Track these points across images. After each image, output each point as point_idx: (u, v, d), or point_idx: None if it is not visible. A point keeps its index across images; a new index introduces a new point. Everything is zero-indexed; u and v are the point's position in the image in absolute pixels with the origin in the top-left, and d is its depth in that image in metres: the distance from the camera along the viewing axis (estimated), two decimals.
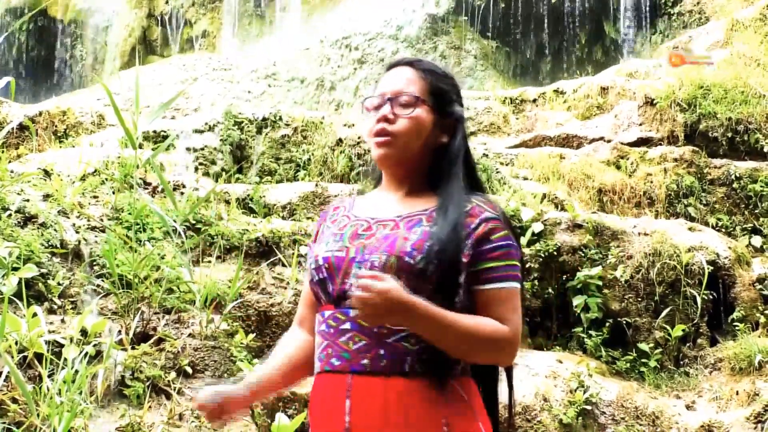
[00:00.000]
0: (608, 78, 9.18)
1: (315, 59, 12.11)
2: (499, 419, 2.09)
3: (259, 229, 5.24)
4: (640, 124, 7.94)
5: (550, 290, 5.71)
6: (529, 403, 4.74)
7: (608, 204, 7.15)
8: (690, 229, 6.17)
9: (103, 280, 4.32)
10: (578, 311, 5.57)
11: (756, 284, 5.83)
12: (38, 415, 3.29)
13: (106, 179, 5.37)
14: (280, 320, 4.74)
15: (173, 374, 3.97)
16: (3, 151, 5.93)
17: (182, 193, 5.63)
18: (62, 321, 3.95)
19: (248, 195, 6.08)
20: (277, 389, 2.19)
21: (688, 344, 5.64)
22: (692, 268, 5.72)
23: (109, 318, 4.13)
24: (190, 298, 4.41)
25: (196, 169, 6.75)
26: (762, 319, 5.62)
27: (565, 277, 5.75)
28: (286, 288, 4.93)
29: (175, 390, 3.89)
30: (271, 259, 5.06)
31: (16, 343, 3.58)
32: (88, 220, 4.73)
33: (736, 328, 5.59)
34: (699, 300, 5.63)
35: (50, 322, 3.87)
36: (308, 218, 5.88)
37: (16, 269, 3.94)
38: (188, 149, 6.84)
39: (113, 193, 5.13)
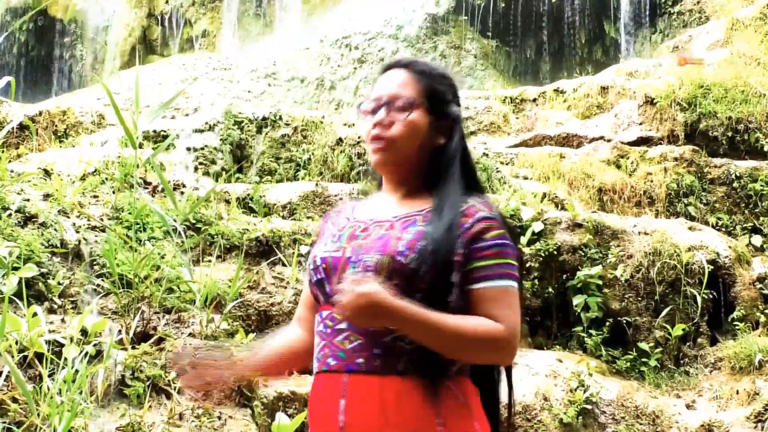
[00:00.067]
0: (608, 77, 9.18)
1: (315, 59, 12.12)
2: (501, 420, 2.08)
3: (259, 228, 5.24)
4: (640, 124, 7.94)
5: (550, 289, 5.71)
6: (530, 403, 4.74)
7: (608, 203, 7.15)
8: (690, 228, 6.17)
9: (103, 280, 4.32)
10: (578, 310, 5.57)
11: (756, 283, 5.83)
12: (38, 414, 3.29)
13: (106, 179, 5.37)
14: (281, 320, 4.74)
15: (173, 374, 3.96)
16: (3, 151, 5.93)
17: (182, 193, 5.63)
18: (62, 320, 3.94)
19: (248, 194, 6.08)
20: (257, 375, 2.20)
21: (688, 343, 5.64)
22: (692, 267, 5.73)
23: (110, 317, 4.13)
24: (191, 298, 4.41)
25: (196, 168, 6.75)
26: (762, 319, 5.62)
27: (565, 276, 5.75)
28: (286, 287, 4.93)
29: (175, 390, 3.88)
30: (271, 259, 5.06)
31: (17, 343, 3.57)
32: (89, 220, 4.73)
33: (737, 327, 5.59)
34: (699, 299, 5.63)
35: (50, 322, 3.87)
36: (308, 218, 5.88)
37: (16, 269, 3.94)
38: (188, 149, 6.84)
39: (113, 192, 5.13)
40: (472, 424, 1.91)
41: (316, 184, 6.33)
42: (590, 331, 5.53)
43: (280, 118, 7.30)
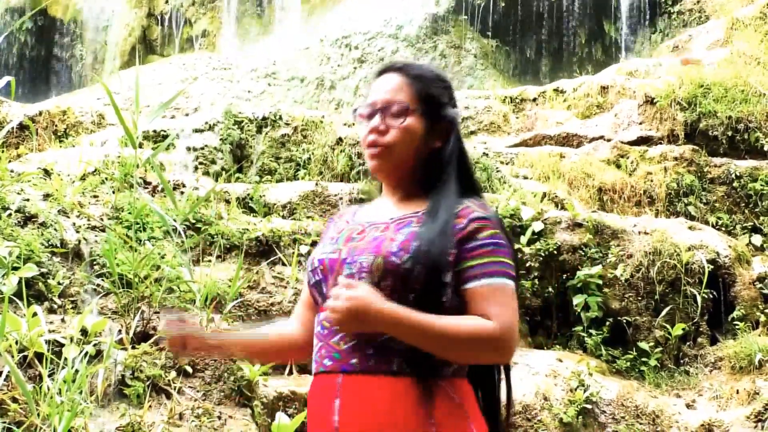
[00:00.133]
0: (608, 77, 9.18)
1: (315, 58, 12.12)
2: (500, 421, 2.07)
3: (259, 228, 5.24)
4: (640, 123, 7.94)
5: (550, 289, 5.71)
6: (530, 402, 4.74)
7: (608, 203, 7.15)
8: (690, 227, 6.17)
9: (103, 280, 4.32)
10: (578, 310, 5.57)
11: (756, 283, 5.83)
12: (38, 414, 3.29)
13: (106, 179, 5.37)
14: (280, 319, 4.73)
15: (173, 373, 3.97)
16: (3, 151, 5.93)
17: (182, 193, 5.63)
18: (62, 320, 3.94)
19: (248, 194, 6.08)
20: (239, 355, 2.24)
21: (688, 343, 5.64)
22: (692, 266, 5.73)
23: (110, 317, 4.13)
24: (191, 298, 4.41)
25: (196, 168, 6.75)
26: (762, 318, 5.63)
27: (565, 276, 5.75)
28: (286, 287, 4.93)
29: (175, 389, 3.88)
30: (271, 259, 5.07)
31: (17, 343, 3.57)
32: (88, 220, 4.73)
33: (737, 326, 5.59)
34: (699, 299, 5.63)
35: (50, 322, 3.87)
36: (308, 217, 5.88)
37: (16, 269, 3.94)
38: (188, 148, 6.84)
39: (113, 192, 5.14)
40: (468, 425, 1.90)
41: (316, 184, 6.33)
42: (590, 330, 5.53)
43: (280, 118, 7.30)
